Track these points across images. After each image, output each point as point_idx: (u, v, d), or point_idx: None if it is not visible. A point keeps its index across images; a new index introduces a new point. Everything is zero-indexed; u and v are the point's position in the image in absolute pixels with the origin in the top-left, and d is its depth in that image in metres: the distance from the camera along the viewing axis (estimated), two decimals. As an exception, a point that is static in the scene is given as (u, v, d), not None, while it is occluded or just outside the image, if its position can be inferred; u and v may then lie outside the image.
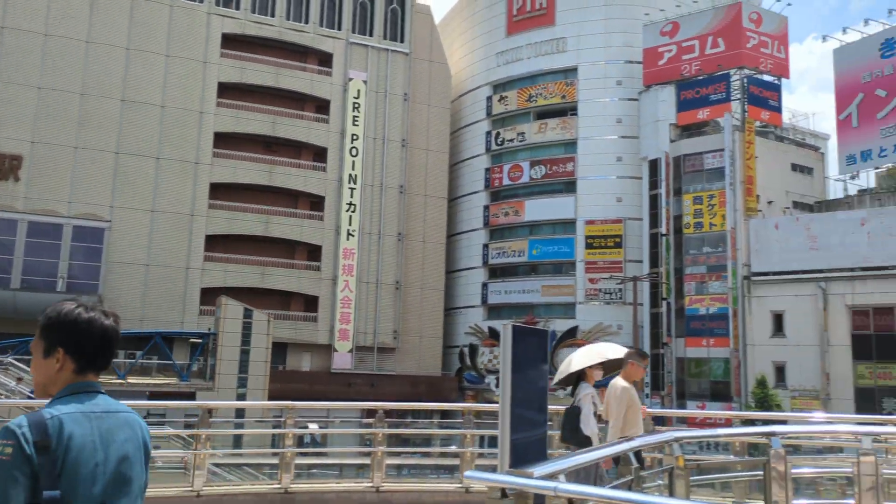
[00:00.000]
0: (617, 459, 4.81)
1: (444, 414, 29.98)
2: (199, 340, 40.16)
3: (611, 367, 8.58)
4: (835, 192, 49.90)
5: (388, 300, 49.23)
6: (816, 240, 40.40)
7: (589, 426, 7.53)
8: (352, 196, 48.74)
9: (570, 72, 50.79)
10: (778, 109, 47.28)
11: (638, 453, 6.46)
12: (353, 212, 48.63)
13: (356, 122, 49.23)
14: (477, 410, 10.37)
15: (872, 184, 47.91)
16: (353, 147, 49.10)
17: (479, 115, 54.43)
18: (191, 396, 35.79)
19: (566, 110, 50.75)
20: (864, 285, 38.68)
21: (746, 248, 42.40)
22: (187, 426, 9.80)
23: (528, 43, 52.16)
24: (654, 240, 45.51)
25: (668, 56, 47.31)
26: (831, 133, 52.38)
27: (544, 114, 51.57)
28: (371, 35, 50.57)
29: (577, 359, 8.13)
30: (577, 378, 7.95)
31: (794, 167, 47.57)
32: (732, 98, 45.27)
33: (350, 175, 48.80)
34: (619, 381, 7.76)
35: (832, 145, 51.39)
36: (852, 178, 47.95)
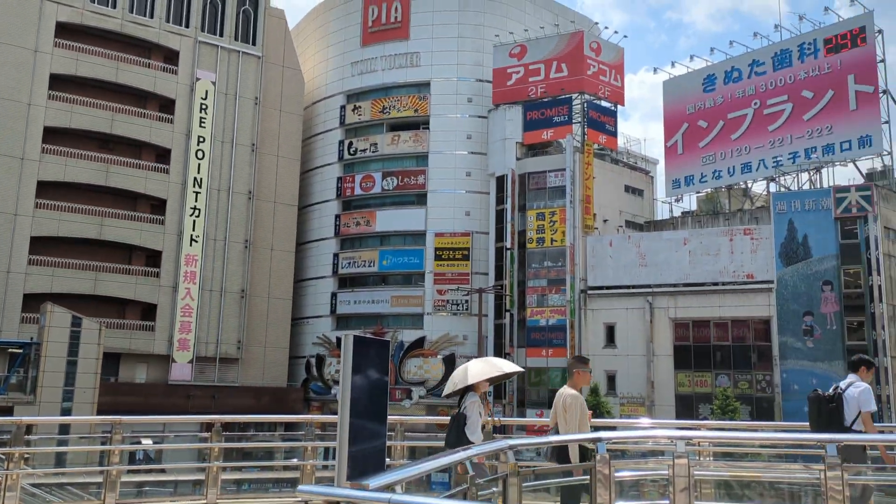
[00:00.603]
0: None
1: (289, 426, 29.36)
2: (20, 351, 36.85)
3: (493, 379, 8.63)
4: (662, 213, 54.06)
5: (233, 309, 47.61)
6: (645, 257, 43.52)
7: (475, 433, 7.68)
8: (196, 200, 46.77)
9: (424, 86, 51.67)
10: (614, 134, 50.57)
11: (562, 451, 6.61)
12: (197, 216, 46.67)
13: (203, 124, 47.37)
14: (320, 422, 10.28)
15: (694, 206, 52.39)
16: (200, 149, 47.20)
17: (333, 123, 54.06)
18: (8, 412, 32.75)
19: (419, 124, 51.54)
20: (685, 300, 42.13)
21: (584, 264, 44.91)
22: (1, 444, 9.01)
23: (383, 55, 52.54)
24: (500, 253, 47.15)
25: (516, 77, 49.35)
26: (660, 158, 56.87)
27: (397, 126, 52.09)
28: (221, 35, 48.93)
29: (473, 370, 8.19)
30: (466, 387, 8.08)
31: (627, 188, 51.04)
32: (574, 121, 47.92)
33: (195, 178, 46.84)
34: (567, 390, 7.86)
35: (661, 170, 55.74)
36: (677, 200, 52.17)
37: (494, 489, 5.39)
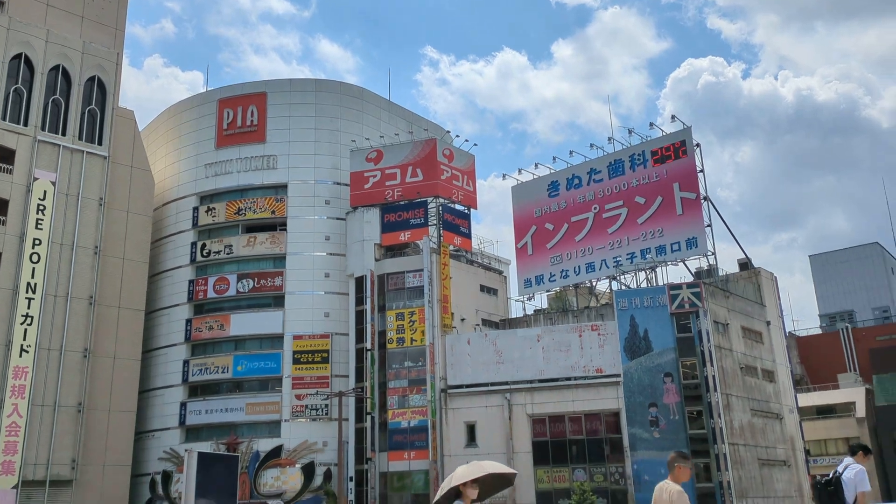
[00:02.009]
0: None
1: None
2: None
3: (488, 487, 8.02)
4: (516, 311, 55.95)
5: (68, 425, 43.61)
6: (502, 354, 44.54)
7: None
8: (29, 307, 43.30)
9: (281, 188, 51.62)
10: (468, 236, 52.42)
11: None
12: (29, 324, 43.08)
13: (40, 226, 44.52)
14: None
15: (545, 304, 54.67)
16: (35, 252, 44.11)
17: (185, 225, 52.48)
18: None
19: (276, 225, 51.10)
20: (540, 395, 43.22)
21: (443, 362, 45.25)
22: None
23: (239, 157, 52.26)
24: (360, 354, 46.65)
25: (373, 181, 50.49)
26: (512, 259, 59.27)
27: (254, 227, 51.35)
28: (64, 134, 46.91)
29: (457, 473, 7.72)
30: (455, 495, 7.52)
31: (483, 288, 52.60)
32: (430, 223, 49.33)
33: (29, 283, 43.51)
34: (670, 485, 7.57)
35: (513, 269, 58.03)
36: (529, 299, 54.32)
37: None
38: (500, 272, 57.10)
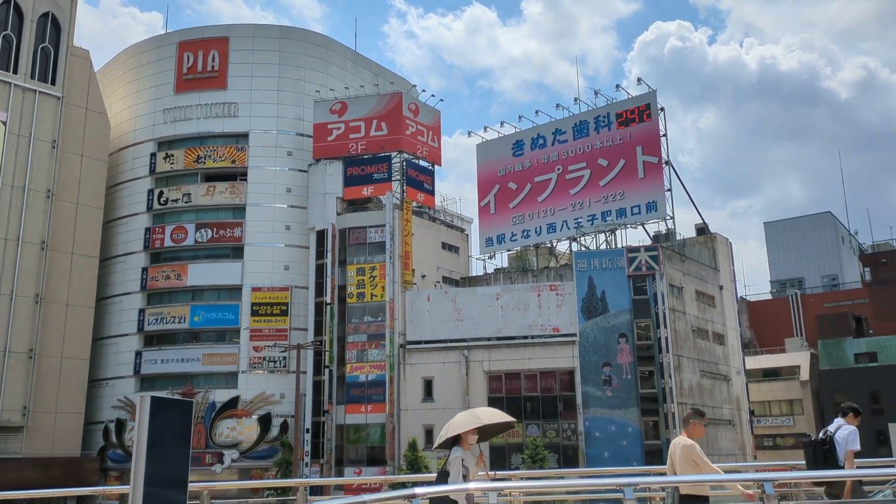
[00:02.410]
0: None
1: (81, 500, 26.70)
2: None
3: (487, 432, 8.45)
4: (476, 269, 56.29)
5: (19, 371, 42.89)
6: (461, 311, 44.89)
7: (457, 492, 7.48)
8: (-22, 250, 42.09)
9: (242, 137, 50.62)
10: (431, 192, 52.26)
11: None
12: (-23, 268, 41.91)
13: (-11, 167, 43.04)
14: (117, 493, 9.45)
15: (506, 264, 55.05)
16: (-16, 194, 42.72)
17: (142, 171, 51.23)
18: None
19: (236, 175, 50.22)
20: (498, 353, 43.82)
21: (403, 318, 45.45)
22: None
23: (199, 103, 50.95)
24: (320, 308, 46.57)
25: (337, 133, 49.80)
26: (474, 217, 59.37)
27: (213, 176, 50.38)
28: (15, 72, 45.12)
29: (455, 422, 8.04)
30: (453, 441, 7.95)
31: (444, 245, 52.68)
32: (393, 179, 49.00)
33: (-23, 226, 42.21)
34: (684, 440, 7.79)
35: (475, 228, 58.20)
36: (490, 258, 54.62)
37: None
38: (463, 230, 57.20)
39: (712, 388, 46.27)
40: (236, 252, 48.99)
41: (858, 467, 8.70)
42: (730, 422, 47.30)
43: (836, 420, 8.50)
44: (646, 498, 9.82)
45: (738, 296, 56.88)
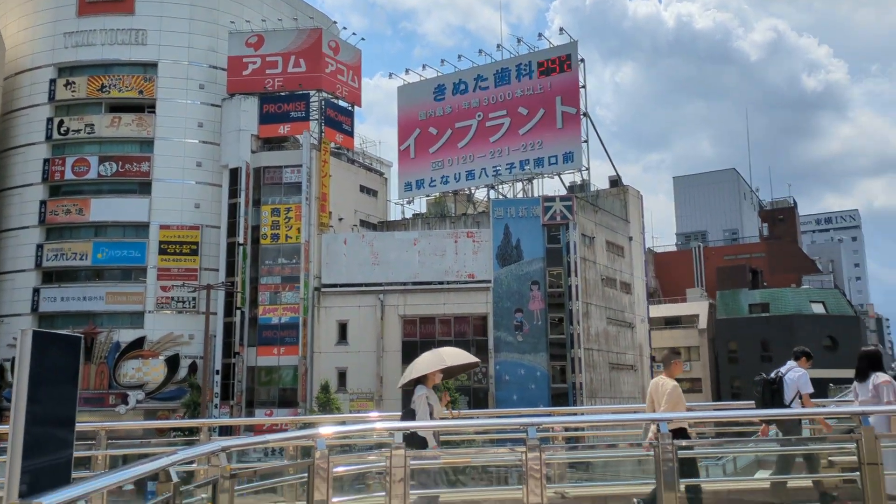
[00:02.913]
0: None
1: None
2: None
3: (450, 371, 8.45)
4: (395, 214, 56.01)
5: None
6: (378, 256, 44.77)
7: (425, 430, 7.50)
8: None
9: (150, 66, 48.08)
10: (350, 134, 51.32)
11: None
12: None
13: None
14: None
15: (424, 209, 55.01)
16: None
17: (40, 98, 48.06)
18: None
19: (143, 106, 47.83)
20: (413, 298, 44.07)
21: (318, 261, 44.96)
22: None
23: (104, 28, 47.89)
24: (232, 249, 45.46)
25: (253, 67, 47.94)
26: (394, 161, 58.79)
27: (119, 107, 47.80)
28: None
29: (420, 364, 8.05)
30: (416, 381, 7.92)
31: (363, 188, 52.09)
32: (311, 118, 47.77)
33: None
34: (665, 380, 8.10)
35: (394, 172, 57.69)
36: (409, 202, 54.46)
37: (203, 496, 5.14)
38: (381, 174, 56.63)
39: (617, 334, 48.11)
40: (143, 188, 46.98)
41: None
42: (632, 367, 49.45)
43: (788, 362, 8.90)
44: (548, 438, 10.13)
45: (646, 247, 58.93)
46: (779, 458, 8.69)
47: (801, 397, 8.42)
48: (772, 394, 8.55)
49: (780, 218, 75.76)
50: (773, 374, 8.77)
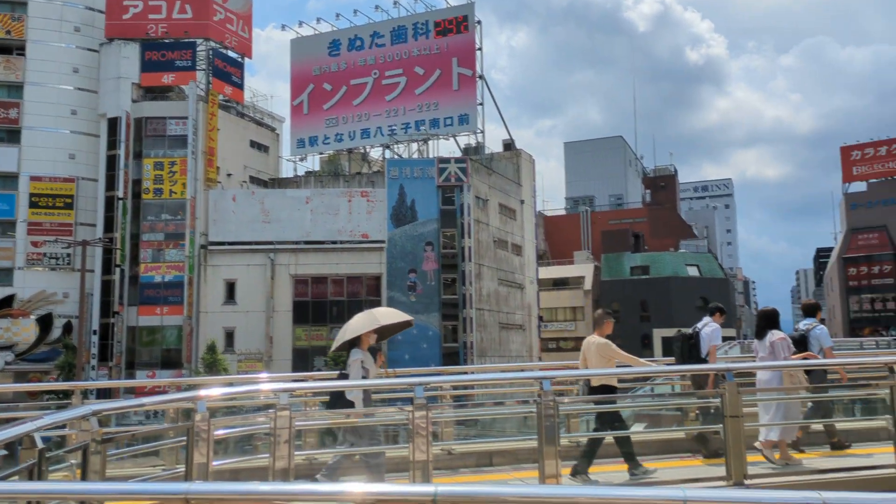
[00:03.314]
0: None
1: None
2: None
3: (384, 331, 8.32)
4: (287, 171, 54.65)
5: None
6: (269, 213, 43.67)
7: (353, 392, 7.43)
8: None
9: (18, 5, 44.38)
10: (240, 86, 49.39)
11: None
12: None
13: None
14: None
15: (318, 167, 53.96)
16: None
17: None
18: None
19: (11, 48, 44.22)
20: (305, 257, 43.40)
21: (205, 218, 43.39)
22: None
23: (-37, -42, 43.67)
24: (111, 203, 43.13)
25: (135, 11, 45.10)
26: (286, 117, 57.14)
27: (-19, 47, 43.94)
28: None
29: (352, 325, 7.97)
30: (351, 344, 7.84)
31: (253, 144, 50.44)
32: (198, 68, 45.59)
33: None
34: (596, 338, 8.23)
35: (287, 128, 56.10)
36: (301, 160, 53.22)
37: (73, 461, 4.90)
38: (273, 129, 54.95)
39: (508, 295, 49.29)
40: (12, 136, 43.66)
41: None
42: (521, 326, 50.91)
43: (704, 318, 9.32)
44: (436, 396, 10.26)
45: (537, 210, 60.35)
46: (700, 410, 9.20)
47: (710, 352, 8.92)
48: (689, 348, 8.99)
49: (662, 185, 79.31)
50: (690, 330, 9.23)
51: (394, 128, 49.84)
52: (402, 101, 49.97)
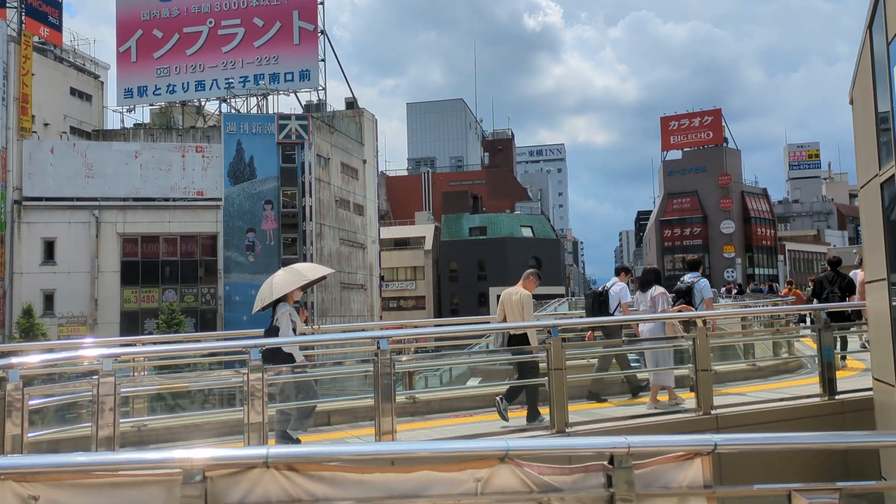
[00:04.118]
0: None
1: None
2: None
3: (306, 285, 8.36)
4: (113, 122, 51.01)
5: None
6: (92, 168, 40.64)
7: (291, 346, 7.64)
8: None
9: None
10: (59, 28, 45.23)
11: None
12: None
13: None
14: None
15: (148, 119, 50.67)
16: None
17: None
18: None
19: None
20: (134, 215, 40.94)
21: (18, 171, 39.70)
22: None
23: None
24: None
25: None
26: (112, 64, 52.90)
27: None
28: None
29: (278, 282, 8.08)
30: (277, 300, 7.99)
31: (74, 92, 46.44)
32: (9, 5, 41.19)
33: None
34: (520, 290, 8.46)
35: (112, 76, 52.03)
36: (129, 111, 49.73)
37: None
38: (97, 77, 50.77)
39: (350, 255, 49.25)
40: None
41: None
42: (362, 286, 51.16)
43: (612, 278, 10.12)
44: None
45: (379, 170, 60.40)
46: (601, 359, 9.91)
47: (620, 306, 9.70)
48: (599, 304, 9.77)
49: (500, 148, 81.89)
50: (600, 288, 10.10)
51: (231, 81, 47.70)
52: (239, 52, 47.85)
